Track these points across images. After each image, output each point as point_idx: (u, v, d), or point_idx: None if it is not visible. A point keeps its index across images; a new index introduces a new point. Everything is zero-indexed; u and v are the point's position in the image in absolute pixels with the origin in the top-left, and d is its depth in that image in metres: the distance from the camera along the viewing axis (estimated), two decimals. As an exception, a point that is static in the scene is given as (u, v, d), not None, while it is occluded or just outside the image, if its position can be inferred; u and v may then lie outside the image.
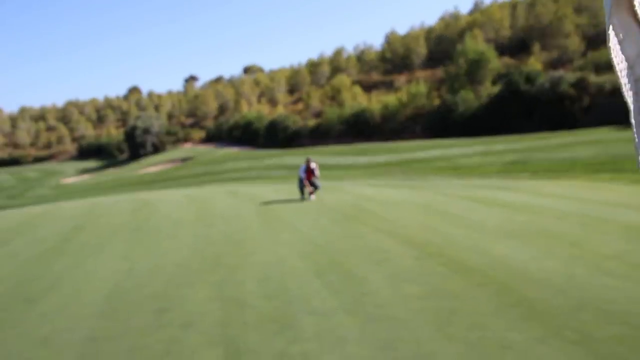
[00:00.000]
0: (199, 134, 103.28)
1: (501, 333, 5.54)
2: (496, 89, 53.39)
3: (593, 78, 47.07)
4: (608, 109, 42.40)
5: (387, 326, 6.00)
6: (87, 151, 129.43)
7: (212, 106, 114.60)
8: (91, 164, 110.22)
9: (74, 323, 7.18)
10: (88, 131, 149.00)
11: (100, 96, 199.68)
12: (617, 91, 43.29)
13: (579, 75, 47.28)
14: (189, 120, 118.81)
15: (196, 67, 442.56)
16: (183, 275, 9.10)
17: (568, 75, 47.74)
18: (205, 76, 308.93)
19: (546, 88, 46.70)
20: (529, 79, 49.39)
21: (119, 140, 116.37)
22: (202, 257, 10.31)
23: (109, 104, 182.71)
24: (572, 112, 44.65)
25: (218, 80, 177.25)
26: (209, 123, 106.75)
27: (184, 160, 70.00)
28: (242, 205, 18.25)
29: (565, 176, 21.24)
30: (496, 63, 59.82)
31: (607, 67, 49.61)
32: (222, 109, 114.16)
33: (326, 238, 11.12)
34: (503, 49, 70.09)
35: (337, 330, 6.02)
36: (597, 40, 60.50)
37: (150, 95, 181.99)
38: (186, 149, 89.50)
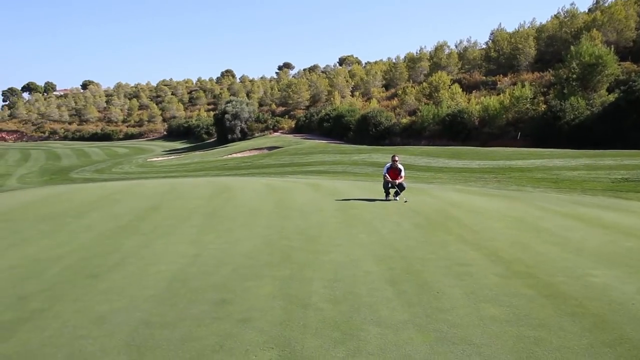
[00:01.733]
0: (288, 123, 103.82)
1: (595, 377, 4.74)
2: (612, 98, 49.71)
3: None
4: None
5: (459, 349, 5.32)
6: (177, 132, 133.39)
7: (304, 95, 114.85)
8: (179, 144, 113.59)
9: (131, 304, 6.95)
10: (179, 112, 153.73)
11: (193, 77, 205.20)
12: None
13: None
14: (280, 109, 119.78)
15: (291, 55, 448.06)
16: (249, 267, 8.71)
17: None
18: (300, 64, 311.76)
19: (673, 99, 43.13)
20: (653, 87, 45.77)
21: (208, 123, 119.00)
22: (272, 250, 9.90)
23: (201, 85, 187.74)
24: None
25: (312, 69, 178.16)
26: (300, 112, 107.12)
27: (271, 148, 70.44)
28: (323, 200, 17.79)
29: (683, 199, 19.46)
30: (615, 68, 55.19)
31: None
32: (314, 99, 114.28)
33: (405, 243, 10.43)
34: (625, 53, 64.89)
35: (404, 347, 5.40)
36: None
37: (243, 80, 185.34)
38: (274, 137, 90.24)
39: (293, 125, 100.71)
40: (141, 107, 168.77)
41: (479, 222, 12.98)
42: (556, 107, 50.84)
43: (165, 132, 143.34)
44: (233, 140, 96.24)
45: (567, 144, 46.32)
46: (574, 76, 53.85)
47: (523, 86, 60.28)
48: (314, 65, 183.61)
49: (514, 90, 60.80)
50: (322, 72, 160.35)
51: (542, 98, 59.58)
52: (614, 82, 53.71)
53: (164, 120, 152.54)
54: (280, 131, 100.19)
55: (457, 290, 7.27)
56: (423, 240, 10.70)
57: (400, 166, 17.31)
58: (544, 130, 50.94)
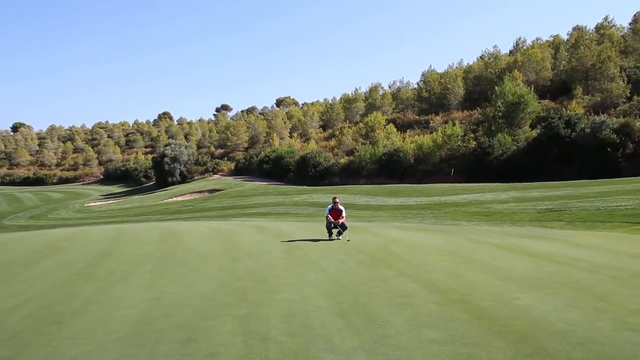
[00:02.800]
0: (228, 165, 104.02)
1: (517, 383, 5.64)
2: (535, 133, 52.79)
3: (639, 124, 46.03)
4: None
5: (405, 369, 6.14)
6: (114, 175, 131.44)
7: (243, 137, 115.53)
8: (116, 188, 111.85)
9: (101, 347, 7.45)
10: (116, 155, 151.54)
11: (130, 120, 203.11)
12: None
13: (622, 121, 46.41)
14: (219, 151, 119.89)
15: (229, 96, 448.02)
16: (209, 307, 9.33)
17: (611, 121, 46.88)
18: (237, 106, 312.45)
19: (587, 133, 45.99)
20: (569, 123, 48.75)
21: (146, 166, 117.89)
22: (228, 291, 10.53)
23: (138, 128, 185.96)
24: (615, 159, 43.80)
25: (250, 111, 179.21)
26: (239, 154, 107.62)
27: (212, 191, 70.53)
28: (269, 242, 18.48)
29: (602, 227, 21.00)
30: (536, 106, 58.89)
31: (655, 113, 48.83)
32: (252, 141, 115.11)
33: (351, 279, 11.26)
34: (544, 91, 69.26)
35: (356, 371, 6.17)
36: (643, 84, 59.47)
37: (181, 122, 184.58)
38: (214, 179, 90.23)
39: (233, 168, 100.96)
40: (76, 150, 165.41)
41: (417, 256, 13.98)
42: (485, 143, 53.49)
43: (101, 176, 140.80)
44: (173, 184, 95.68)
45: (497, 178, 48.61)
46: (500, 114, 56.97)
47: (454, 124, 63.06)
48: (252, 107, 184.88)
49: (445, 128, 63.49)
50: (260, 113, 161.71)
51: (472, 135, 62.40)
52: (535, 119, 57.13)
53: (100, 163, 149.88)
54: (220, 173, 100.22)
55: (399, 319, 8.12)
56: (367, 276, 11.56)
57: (341, 207, 18.26)
58: (475, 166, 53.33)
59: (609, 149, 43.77)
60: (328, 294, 9.99)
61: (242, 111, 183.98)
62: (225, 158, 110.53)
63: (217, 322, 8.33)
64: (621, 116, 49.33)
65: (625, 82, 59.79)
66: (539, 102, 61.72)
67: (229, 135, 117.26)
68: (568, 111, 53.56)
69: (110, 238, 21.15)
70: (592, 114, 53.17)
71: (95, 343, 7.64)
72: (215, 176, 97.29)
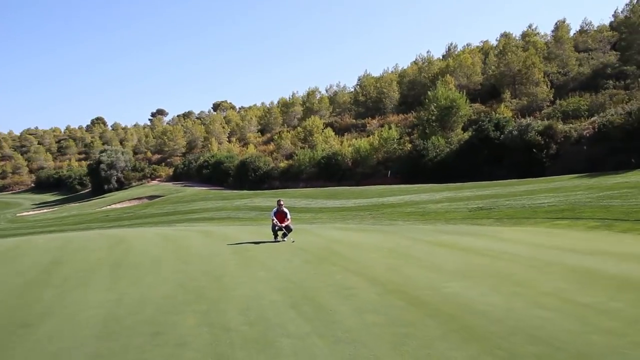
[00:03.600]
0: (166, 171, 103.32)
1: (444, 352, 6.78)
2: (467, 136, 55.20)
3: (560, 126, 48.84)
4: (573, 157, 44.48)
5: (351, 347, 7.18)
6: (46, 183, 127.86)
7: (180, 142, 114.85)
8: (49, 197, 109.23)
9: (77, 343, 8.17)
10: (48, 162, 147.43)
11: (61, 126, 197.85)
12: (582, 139, 45.59)
13: (546, 124, 49.14)
14: (156, 156, 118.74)
15: (164, 101, 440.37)
16: (170, 305, 10.13)
17: (536, 123, 49.58)
18: (173, 111, 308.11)
19: (515, 135, 48.53)
20: (498, 126, 51.27)
21: (81, 173, 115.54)
22: (186, 291, 11.34)
23: (70, 134, 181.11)
24: (540, 160, 46.41)
25: (187, 115, 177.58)
26: (177, 160, 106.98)
27: (152, 198, 70.22)
28: (217, 245, 19.26)
29: (527, 223, 22.68)
30: (467, 109, 61.68)
31: (574, 115, 51.87)
32: (190, 146, 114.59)
33: (299, 276, 12.27)
34: (475, 95, 72.26)
35: (310, 349, 7.18)
36: (564, 88, 63.00)
37: (116, 127, 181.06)
38: (153, 186, 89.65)
39: (171, 173, 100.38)
40: (3, 157, 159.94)
41: (358, 254, 15.13)
42: (420, 146, 55.62)
43: (33, 184, 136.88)
44: (110, 191, 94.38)
45: (432, 179, 50.62)
46: (433, 117, 59.30)
47: (390, 128, 65.08)
48: (189, 112, 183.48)
49: (382, 131, 65.43)
50: (197, 118, 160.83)
51: (407, 138, 64.57)
52: (467, 122, 59.80)
53: (31, 171, 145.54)
54: (158, 179, 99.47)
55: (345, 307, 9.18)
56: (313, 273, 12.60)
57: (285, 209, 19.23)
58: (411, 168, 55.34)
59: (534, 150, 46.39)
60: (279, 289, 10.95)
61: (178, 116, 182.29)
62: (163, 163, 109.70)
63: (181, 317, 9.16)
64: (545, 119, 52.25)
65: (549, 86, 63.37)
66: (470, 106, 64.51)
67: (166, 140, 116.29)
68: (497, 114, 56.23)
69: (58, 246, 21.41)
70: (519, 117, 55.99)
71: (71, 340, 8.33)
72: (154, 182, 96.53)
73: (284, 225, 19.03)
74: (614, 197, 25.54)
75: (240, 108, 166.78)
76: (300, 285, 11.22)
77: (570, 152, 45.77)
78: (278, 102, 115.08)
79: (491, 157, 49.35)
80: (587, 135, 46.34)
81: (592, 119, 48.68)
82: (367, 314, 8.72)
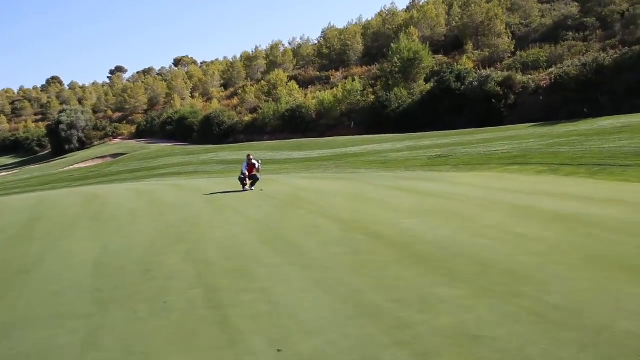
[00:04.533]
0: (128, 129, 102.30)
1: (397, 272, 8.07)
2: (429, 87, 56.30)
3: (519, 77, 50.18)
4: (531, 107, 46.10)
5: (318, 271, 8.43)
6: (2, 146, 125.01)
7: (141, 100, 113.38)
8: (7, 159, 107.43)
9: (76, 282, 9.23)
10: (2, 125, 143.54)
11: (14, 87, 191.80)
12: (539, 89, 47.22)
13: (506, 75, 50.44)
14: (117, 114, 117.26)
15: (123, 58, 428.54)
16: (154, 248, 11.22)
17: (496, 74, 50.88)
18: (133, 67, 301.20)
19: (475, 86, 49.81)
20: (460, 77, 52.48)
21: (39, 134, 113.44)
22: (166, 236, 12.44)
23: (25, 95, 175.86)
24: (498, 110, 47.91)
25: (147, 72, 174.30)
26: (139, 117, 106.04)
27: (115, 156, 70.19)
28: (189, 196, 20.30)
29: (481, 168, 24.14)
30: (430, 61, 62.46)
31: (534, 66, 53.36)
32: (152, 103, 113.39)
33: (269, 219, 13.47)
34: (438, 47, 72.94)
35: (283, 275, 8.41)
36: (525, 40, 64.22)
37: (73, 86, 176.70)
38: (116, 144, 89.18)
39: (134, 131, 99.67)
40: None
41: (322, 199, 16.39)
42: (383, 97, 56.71)
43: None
44: (71, 151, 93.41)
45: (394, 129, 51.92)
46: (396, 69, 60.23)
47: (353, 80, 65.89)
48: (149, 68, 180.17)
49: (345, 84, 66.22)
50: (158, 74, 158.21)
51: (370, 90, 65.54)
52: (429, 73, 60.81)
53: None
54: (120, 137, 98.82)
55: (312, 242, 10.43)
56: (282, 216, 13.83)
57: (254, 161, 20.31)
58: (374, 119, 56.51)
59: (493, 100, 47.93)
60: (252, 230, 12.14)
61: (138, 72, 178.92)
62: (125, 121, 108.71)
63: (166, 257, 10.28)
64: (505, 70, 53.64)
65: (510, 38, 64.49)
66: (433, 57, 65.40)
67: (127, 98, 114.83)
68: (459, 66, 57.42)
69: (32, 205, 22.10)
70: (481, 68, 57.23)
71: (68, 281, 9.37)
72: (116, 140, 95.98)
73: (251, 175, 20.10)
74: (562, 144, 27.15)
75: (202, 63, 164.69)
76: (271, 227, 12.42)
77: (528, 102, 47.36)
78: (241, 56, 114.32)
79: (452, 108, 50.73)
80: (544, 86, 47.93)
81: (549, 70, 50.20)
82: (331, 246, 9.97)
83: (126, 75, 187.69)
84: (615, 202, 12.91)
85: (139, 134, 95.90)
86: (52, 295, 8.53)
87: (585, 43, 55.79)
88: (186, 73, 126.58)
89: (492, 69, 55.21)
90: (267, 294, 7.57)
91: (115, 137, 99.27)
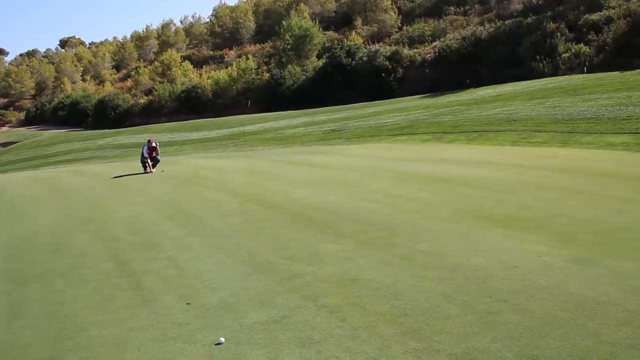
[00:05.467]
0: (16, 115, 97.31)
1: (289, 235, 9.16)
2: (321, 63, 57.40)
3: (406, 51, 52.12)
4: (418, 79, 48.21)
5: (219, 239, 9.40)
6: None
7: (28, 84, 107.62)
8: None
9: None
10: None
11: None
12: (425, 62, 49.51)
13: (393, 49, 52.24)
14: (2, 101, 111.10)
15: (1, 39, 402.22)
16: (61, 230, 11.74)
17: (384, 49, 52.60)
18: (14, 50, 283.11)
19: (365, 61, 51.30)
20: (350, 53, 53.86)
21: None
22: (72, 218, 12.92)
23: None
24: (388, 83, 49.69)
25: (32, 54, 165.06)
26: (27, 103, 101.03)
27: (6, 144, 67.00)
28: (90, 181, 20.49)
29: (372, 140, 25.65)
30: (321, 38, 63.53)
31: (419, 40, 55.58)
32: (40, 88, 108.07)
33: (171, 197, 14.22)
34: (328, 23, 73.96)
35: (187, 244, 9.31)
36: (411, 15, 66.46)
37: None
38: (4, 132, 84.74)
39: (22, 117, 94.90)
40: None
41: (221, 176, 17.30)
42: (277, 75, 57.46)
43: None
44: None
45: (290, 106, 52.81)
46: (289, 47, 61.00)
47: (247, 58, 66.11)
48: (33, 50, 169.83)
49: (239, 62, 66.33)
50: (44, 57, 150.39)
51: (265, 67, 66.02)
52: (321, 50, 61.98)
53: None
54: (8, 125, 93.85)
55: (212, 214, 11.36)
56: (183, 193, 14.64)
57: (154, 144, 20.80)
58: (269, 97, 57.18)
59: (383, 75, 49.76)
60: (155, 208, 12.89)
61: (21, 55, 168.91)
62: (11, 108, 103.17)
63: (74, 237, 10.87)
64: (393, 45, 55.58)
65: (397, 13, 66.68)
66: (324, 34, 66.61)
67: (11, 82, 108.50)
68: (349, 42, 58.86)
69: None
70: (370, 43, 58.92)
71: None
72: (4, 128, 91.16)
73: (152, 157, 20.58)
74: (445, 113, 29.13)
75: (91, 44, 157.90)
76: (173, 203, 13.19)
77: (415, 75, 49.47)
78: (132, 37, 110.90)
79: (344, 83, 52.15)
80: (429, 59, 50.25)
81: (434, 43, 52.60)
82: (230, 217, 10.93)
83: (8, 58, 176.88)
84: (486, 163, 14.62)
85: (28, 121, 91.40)
86: None
87: (466, 17, 58.73)
88: (75, 55, 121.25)
89: (380, 44, 56.96)
90: (174, 261, 8.45)
91: (2, 125, 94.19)
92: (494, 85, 36.54)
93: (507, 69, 39.85)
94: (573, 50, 37.06)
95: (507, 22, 45.17)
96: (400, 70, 50.29)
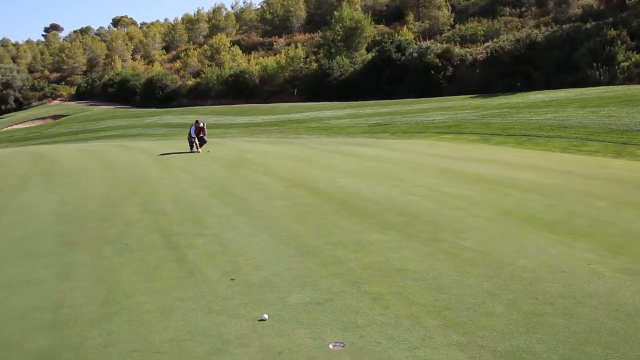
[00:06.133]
0: (67, 90, 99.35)
1: (334, 221, 9.17)
2: (370, 56, 57.13)
3: (457, 50, 51.52)
4: (468, 79, 47.62)
5: (264, 220, 9.46)
6: None
7: (80, 60, 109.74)
8: None
9: (39, 229, 9.96)
10: None
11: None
12: (476, 62, 48.89)
13: (444, 47, 51.68)
14: (55, 75, 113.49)
15: (58, 15, 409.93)
16: (109, 200, 11.98)
17: (435, 46, 52.07)
18: (69, 26, 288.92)
19: (415, 57, 50.85)
20: (400, 47, 53.44)
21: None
22: (119, 190, 13.19)
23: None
24: (437, 81, 49.18)
25: (85, 31, 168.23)
26: (78, 78, 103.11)
27: (56, 117, 68.67)
28: (137, 156, 20.89)
29: (417, 136, 25.50)
30: (371, 31, 63.18)
31: (471, 40, 54.90)
32: (92, 64, 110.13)
33: (217, 177, 14.39)
34: (380, 17, 73.45)
35: (232, 223, 9.40)
36: (465, 13, 65.65)
37: (5, 44, 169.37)
38: (56, 105, 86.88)
39: (73, 92, 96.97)
40: None
41: (266, 160, 17.39)
42: (325, 65, 57.41)
43: None
44: (7, 111, 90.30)
45: (336, 97, 52.79)
46: (339, 38, 60.88)
47: (296, 47, 66.20)
48: (87, 27, 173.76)
49: (288, 50, 66.48)
50: (97, 34, 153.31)
51: (313, 57, 66.00)
52: (371, 43, 61.68)
53: None
54: (59, 99, 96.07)
55: (257, 196, 11.44)
56: (228, 174, 14.79)
57: (202, 125, 21.08)
58: (316, 86, 57.21)
59: (432, 72, 49.27)
60: (201, 186, 13.04)
61: (75, 32, 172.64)
62: (63, 82, 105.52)
63: (122, 208, 11.08)
64: (444, 42, 54.97)
65: (450, 11, 65.90)
66: (375, 27, 66.24)
67: (65, 58, 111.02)
68: (400, 36, 58.40)
69: (-23, 162, 22.24)
70: (421, 39, 58.39)
71: (32, 228, 10.09)
72: (55, 102, 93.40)
73: (199, 137, 20.87)
74: (494, 115, 28.73)
75: (142, 24, 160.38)
76: (219, 183, 13.35)
77: (465, 75, 48.85)
78: (183, 19, 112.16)
79: (392, 77, 51.80)
80: (481, 59, 49.56)
81: (486, 44, 51.86)
82: (275, 200, 11.00)
83: (62, 34, 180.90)
84: (535, 168, 14.35)
85: (79, 96, 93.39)
86: (19, 239, 9.27)
87: (521, 19, 57.64)
88: (126, 34, 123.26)
89: (431, 40, 56.45)
90: (218, 237, 8.55)
91: (54, 98, 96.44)
92: (546, 90, 35.81)
93: (561, 74, 38.96)
94: (633, 59, 35.88)
95: (564, 26, 44.12)
96: (450, 68, 49.69)
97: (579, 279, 6.22)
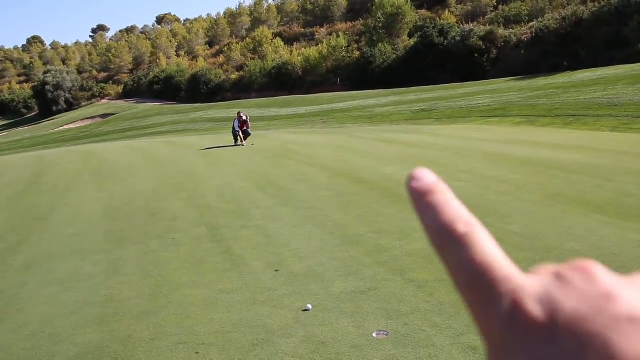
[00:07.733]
0: (114, 89, 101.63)
1: (378, 210, 9.11)
2: (412, 42, 56.65)
3: (501, 31, 50.55)
4: (513, 61, 46.75)
5: (308, 211, 9.46)
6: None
7: (126, 59, 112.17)
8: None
9: (89, 225, 10.22)
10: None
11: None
12: (521, 43, 47.89)
13: (488, 29, 50.78)
14: (102, 75, 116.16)
15: (104, 16, 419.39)
16: (157, 196, 12.20)
17: (478, 29, 51.20)
18: (115, 26, 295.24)
19: (458, 41, 50.14)
20: (442, 32, 52.80)
21: (25, 96, 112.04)
22: (166, 185, 13.41)
23: (6, 56, 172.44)
24: (481, 64, 48.43)
25: (130, 30, 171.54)
26: (125, 77, 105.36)
27: (105, 116, 70.38)
28: (183, 151, 21.22)
29: (462, 121, 25.17)
30: (412, 16, 62.65)
31: (515, 20, 53.81)
32: (137, 62, 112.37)
33: (261, 169, 14.47)
34: (421, 2, 72.79)
35: (276, 214, 9.43)
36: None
37: (55, 46, 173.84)
38: (104, 104, 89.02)
39: (120, 91, 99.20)
40: None
41: (310, 150, 17.38)
42: (367, 53, 57.15)
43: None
44: (58, 112, 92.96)
45: (379, 85, 52.53)
46: (380, 25, 60.50)
47: (338, 36, 66.11)
48: (132, 26, 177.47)
49: (330, 40, 66.43)
50: (142, 33, 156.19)
51: (355, 46, 65.82)
52: (413, 29, 61.08)
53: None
54: (107, 98, 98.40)
55: (301, 187, 11.45)
56: (272, 165, 14.85)
57: (244, 117, 21.21)
58: (359, 75, 57.06)
59: (476, 55, 48.46)
60: (245, 179, 13.14)
61: (121, 31, 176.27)
62: (111, 81, 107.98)
63: (169, 203, 11.27)
64: (488, 24, 53.99)
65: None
66: (416, 12, 65.61)
67: (111, 57, 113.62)
68: (442, 20, 57.68)
69: (33, 162, 22.96)
70: (463, 22, 57.50)
71: (82, 225, 10.37)
72: (104, 101, 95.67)
73: (243, 129, 21.05)
74: (540, 96, 28.09)
75: (185, 20, 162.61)
76: (263, 175, 13.42)
77: (510, 56, 47.93)
78: (225, 13, 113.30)
79: (435, 62, 51.26)
80: (526, 40, 48.48)
81: (531, 24, 50.67)
82: (319, 190, 11.00)
83: (109, 34, 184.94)
84: (584, 149, 13.98)
85: (126, 94, 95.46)
86: (70, 236, 9.52)
87: (568, -5, 56.18)
88: (170, 31, 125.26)
89: (474, 23, 55.49)
90: (263, 229, 8.60)
91: (102, 98, 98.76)
92: (594, 69, 34.82)
93: (610, 51, 37.84)
94: (686, 31, 34.63)
95: (612, 1, 42.70)
96: (494, 50, 48.84)
97: (631, 261, 6.02)
